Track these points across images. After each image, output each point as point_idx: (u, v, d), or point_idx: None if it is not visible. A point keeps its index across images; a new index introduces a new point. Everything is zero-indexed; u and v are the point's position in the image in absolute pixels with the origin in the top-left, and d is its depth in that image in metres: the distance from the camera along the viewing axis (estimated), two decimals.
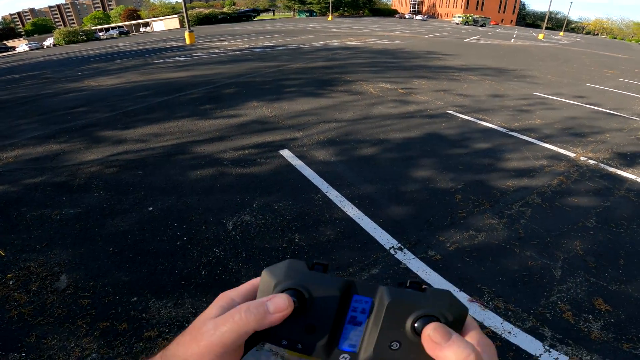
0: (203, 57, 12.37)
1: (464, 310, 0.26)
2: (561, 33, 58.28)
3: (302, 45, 15.33)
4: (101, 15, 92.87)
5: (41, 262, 2.44)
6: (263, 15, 74.14)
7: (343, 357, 0.26)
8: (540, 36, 34.34)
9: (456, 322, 0.25)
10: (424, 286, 0.27)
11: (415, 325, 0.25)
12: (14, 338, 1.89)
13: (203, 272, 2.35)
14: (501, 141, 4.59)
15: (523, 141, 4.61)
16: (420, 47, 15.87)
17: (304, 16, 67.19)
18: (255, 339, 0.26)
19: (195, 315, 2.01)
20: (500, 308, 2.09)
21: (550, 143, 4.58)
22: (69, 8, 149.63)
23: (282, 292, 0.25)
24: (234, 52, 13.30)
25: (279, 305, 0.24)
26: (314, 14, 69.54)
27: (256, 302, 0.25)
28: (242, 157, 4.02)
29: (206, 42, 18.16)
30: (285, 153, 4.11)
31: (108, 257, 2.49)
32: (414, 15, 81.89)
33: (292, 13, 75.23)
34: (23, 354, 1.79)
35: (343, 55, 12.23)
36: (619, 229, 2.87)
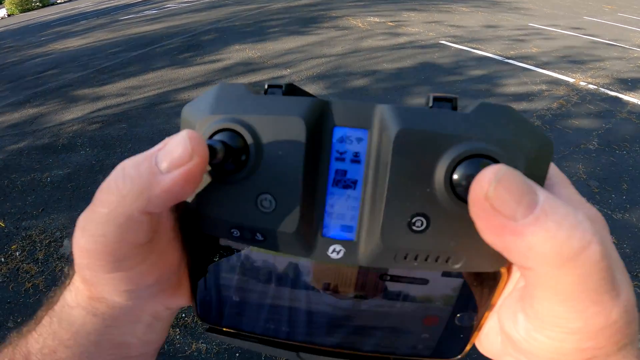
0: (176, 7, 11.66)
1: (545, 142, 0.14)
2: None
3: None
4: None
5: (41, 228, 2.38)
6: None
7: (334, 250, 0.16)
8: None
9: (534, 163, 0.14)
10: (460, 103, 0.15)
11: (455, 176, 0.14)
12: (35, 312, 1.89)
13: None
14: (497, 68, 4.47)
15: (520, 68, 4.49)
16: None
17: None
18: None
19: None
20: None
21: (548, 69, 4.46)
22: None
23: (210, 137, 0.15)
24: None
25: (175, 152, 0.14)
26: None
27: (137, 157, 0.15)
28: None
29: None
30: None
31: None
32: None
33: None
34: None
35: None
36: (622, 150, 2.86)
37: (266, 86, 0.17)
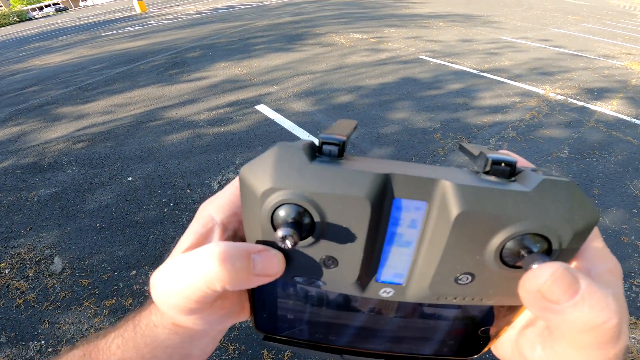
0: (159, 24, 11.54)
1: (595, 217, 0.16)
2: None
3: (265, 3, 14.60)
4: None
5: (30, 246, 2.36)
6: None
7: (385, 291, 0.18)
8: None
9: (578, 237, 0.16)
10: (520, 167, 0.16)
11: (505, 250, 0.15)
12: (28, 327, 1.87)
13: None
14: (473, 82, 4.67)
15: (494, 81, 4.71)
16: None
17: None
18: None
19: None
20: None
21: (520, 82, 4.70)
22: None
23: (274, 211, 0.16)
24: (193, 16, 12.47)
25: (269, 267, 0.17)
26: None
27: (238, 249, 0.17)
28: (217, 116, 3.88)
29: (160, 9, 16.95)
30: (262, 108, 4.02)
31: (97, 233, 2.42)
32: None
33: None
34: (42, 342, 1.78)
35: (310, 9, 11.79)
36: (591, 158, 3.02)
37: (320, 143, 0.17)
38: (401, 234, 0.17)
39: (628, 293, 1.91)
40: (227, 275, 0.16)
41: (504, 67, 5.31)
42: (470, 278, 0.17)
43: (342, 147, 0.17)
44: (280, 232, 0.15)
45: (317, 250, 0.17)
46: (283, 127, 3.55)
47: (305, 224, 0.16)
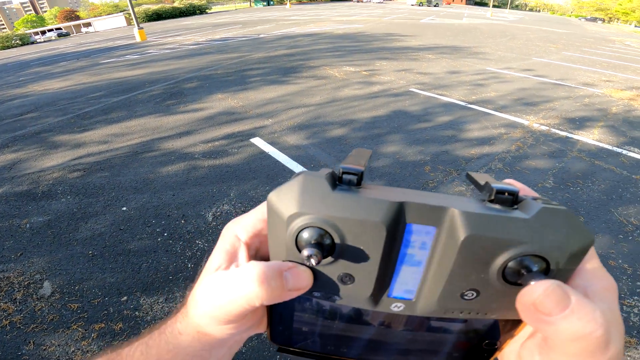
0: (157, 53, 11.81)
1: (589, 240, 0.17)
2: (507, 10, 61.81)
3: (262, 35, 15.02)
4: (34, 18, 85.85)
5: (20, 271, 2.36)
6: (219, 7, 71.59)
7: (396, 306, 0.20)
8: (490, 14, 36.40)
9: (573, 259, 0.17)
10: (522, 196, 0.18)
11: (507, 269, 0.17)
12: (12, 347, 1.85)
13: (189, 265, 2.34)
14: (461, 114, 4.85)
15: (481, 112, 4.90)
16: (379, 30, 16.06)
17: (262, 5, 65.65)
18: None
19: None
20: None
21: (506, 113, 4.90)
22: None
23: (299, 233, 0.18)
24: (191, 47, 12.79)
25: (300, 281, 0.19)
26: (271, 2, 68.19)
27: (273, 270, 0.19)
28: (213, 149, 3.96)
29: (159, 39, 17.28)
30: (257, 141, 4.10)
31: (89, 260, 2.42)
32: None
33: (248, 3, 73.27)
34: None
35: (305, 42, 12.17)
36: (575, 187, 3.12)
37: (341, 173, 0.19)
38: (412, 255, 0.19)
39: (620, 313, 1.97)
40: (265, 294, 0.19)
41: (490, 98, 5.54)
42: (475, 294, 0.19)
43: (360, 176, 0.19)
44: (305, 252, 0.17)
45: (336, 268, 0.19)
46: (277, 161, 3.63)
47: (326, 245, 0.18)
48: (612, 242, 2.48)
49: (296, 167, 3.48)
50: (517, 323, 0.21)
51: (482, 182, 0.19)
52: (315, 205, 0.18)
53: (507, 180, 0.20)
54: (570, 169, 3.43)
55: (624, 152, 3.83)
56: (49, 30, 47.16)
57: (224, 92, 6.21)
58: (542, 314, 0.16)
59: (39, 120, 5.37)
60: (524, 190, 0.20)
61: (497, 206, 0.18)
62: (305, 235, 0.18)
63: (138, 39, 16.81)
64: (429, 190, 3.05)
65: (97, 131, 4.66)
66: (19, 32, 39.02)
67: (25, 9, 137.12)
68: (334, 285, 0.20)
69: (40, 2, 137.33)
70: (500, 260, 0.17)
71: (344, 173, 0.19)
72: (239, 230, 0.23)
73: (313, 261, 0.17)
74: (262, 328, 0.25)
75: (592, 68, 8.74)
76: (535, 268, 0.17)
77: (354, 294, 0.20)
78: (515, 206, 0.18)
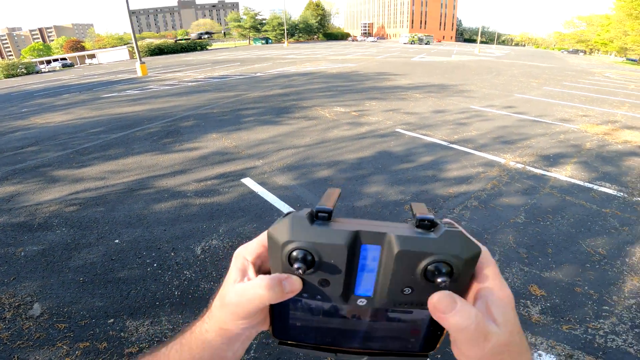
0: (158, 89, 12.18)
1: (477, 250, 0.25)
2: (494, 46, 64.58)
3: (259, 74, 15.49)
4: (41, 47, 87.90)
5: (11, 293, 2.48)
6: (219, 44, 74.28)
7: (360, 301, 0.27)
8: (478, 50, 38.06)
9: (468, 264, 0.25)
10: (435, 222, 0.26)
11: (427, 271, 0.25)
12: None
13: (176, 293, 2.47)
14: (443, 153, 5.07)
15: (461, 152, 5.13)
16: (372, 69, 16.77)
17: (260, 43, 67.78)
18: None
19: (172, 330, 2.14)
20: None
21: (485, 152, 5.13)
22: (5, 39, 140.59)
23: (290, 253, 0.26)
24: (190, 84, 13.18)
25: (293, 286, 0.27)
26: (270, 41, 70.51)
27: (275, 279, 0.26)
28: (205, 188, 4.13)
29: (160, 74, 17.83)
30: (247, 181, 4.27)
31: (79, 286, 2.55)
32: (365, 38, 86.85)
33: (247, 41, 76.09)
34: None
35: (299, 82, 12.59)
36: (545, 221, 3.27)
37: (315, 212, 0.26)
38: (367, 264, 0.26)
39: (584, 335, 2.09)
40: (271, 296, 0.26)
41: (471, 137, 5.80)
42: (410, 290, 0.26)
43: (330, 214, 0.26)
44: (295, 265, 0.25)
45: (317, 276, 0.26)
46: (266, 200, 3.79)
47: (309, 260, 0.25)
48: (579, 271, 2.62)
49: (283, 206, 3.65)
50: None
51: (415, 212, 0.27)
52: (300, 235, 0.25)
53: (426, 213, 0.27)
54: (542, 204, 3.59)
55: (595, 187, 4.01)
56: (54, 60, 47.89)
57: (218, 131, 6.41)
58: (440, 312, 0.24)
59: (39, 154, 5.53)
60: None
61: (420, 230, 0.25)
62: (295, 254, 0.26)
63: (140, 74, 17.25)
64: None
65: (95, 167, 4.81)
66: (25, 60, 39.64)
67: (34, 37, 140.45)
68: (316, 288, 0.27)
69: (48, 30, 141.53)
70: (422, 265, 0.25)
71: (318, 212, 0.26)
72: (246, 253, 0.30)
73: (301, 271, 0.25)
74: (266, 326, 0.31)
75: (571, 103, 9.14)
76: (443, 270, 0.24)
77: (330, 294, 0.27)
78: (432, 229, 0.25)
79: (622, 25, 26.05)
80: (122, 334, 2.13)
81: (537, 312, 2.26)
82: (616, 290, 2.45)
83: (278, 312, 0.29)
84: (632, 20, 23.89)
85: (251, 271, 0.29)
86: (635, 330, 2.13)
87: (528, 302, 2.34)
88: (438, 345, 0.29)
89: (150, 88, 12.59)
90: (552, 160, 4.85)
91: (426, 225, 0.25)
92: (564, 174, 4.37)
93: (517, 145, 5.44)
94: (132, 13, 16.79)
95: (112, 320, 2.23)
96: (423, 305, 0.26)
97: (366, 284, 0.26)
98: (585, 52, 64.00)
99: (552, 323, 2.16)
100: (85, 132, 6.71)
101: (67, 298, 2.43)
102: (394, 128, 6.44)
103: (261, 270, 0.30)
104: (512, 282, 2.52)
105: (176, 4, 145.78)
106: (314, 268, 0.26)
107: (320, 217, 0.26)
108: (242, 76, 14.92)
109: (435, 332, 0.29)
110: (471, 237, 0.25)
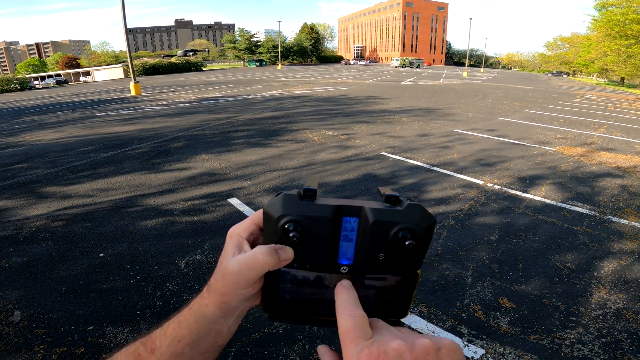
0: (150, 109, 12.23)
1: (433, 220, 0.29)
2: (481, 70, 66.25)
3: (251, 96, 15.69)
4: (36, 63, 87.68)
5: None
6: (213, 65, 75.42)
7: (343, 269, 0.30)
8: (465, 74, 39.23)
9: (427, 231, 0.29)
10: (399, 198, 0.30)
11: (397, 237, 0.28)
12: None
13: (158, 303, 2.52)
14: (425, 176, 5.24)
15: (442, 174, 5.31)
16: (362, 93, 17.19)
17: (254, 65, 69.00)
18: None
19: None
20: (424, 312, 2.47)
21: (464, 174, 5.31)
22: (1, 53, 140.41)
23: (284, 225, 0.28)
24: (183, 105, 13.28)
25: (287, 254, 0.29)
26: (264, 63, 71.80)
27: (272, 248, 0.29)
28: (191, 206, 4.20)
29: (153, 94, 17.94)
30: (234, 201, 4.35)
31: (61, 295, 2.59)
32: (358, 61, 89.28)
33: (242, 63, 77.47)
34: None
35: (290, 105, 12.78)
36: (518, 239, 3.42)
37: (303, 192, 0.29)
38: (347, 235, 0.29)
39: (551, 345, 2.18)
40: (270, 261, 0.29)
41: (453, 160, 6.00)
42: (384, 255, 0.29)
43: (314, 192, 0.29)
44: (290, 235, 0.28)
45: (306, 245, 0.29)
46: None
47: (299, 231, 0.28)
48: (547, 284, 2.74)
49: None
50: (416, 280, 0.32)
51: (382, 192, 0.31)
52: (292, 209, 0.28)
53: (391, 191, 0.31)
54: (515, 223, 3.74)
55: (568, 206, 4.19)
56: (49, 77, 47.46)
57: (208, 152, 6.48)
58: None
59: (28, 171, 5.54)
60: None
61: (388, 204, 0.29)
62: (288, 226, 0.28)
63: (133, 93, 17.26)
64: None
65: (84, 185, 4.84)
66: (20, 75, 39.30)
67: (30, 52, 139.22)
68: (306, 257, 0.30)
69: (45, 45, 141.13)
70: (392, 232, 0.28)
71: (305, 191, 0.29)
72: (240, 231, 0.33)
73: (295, 239, 0.28)
74: (258, 301, 0.33)
75: (550, 125, 9.50)
76: (408, 235, 0.28)
77: (317, 262, 0.30)
78: (398, 204, 0.29)
79: (601, 46, 26.77)
80: (100, 340, 2.17)
81: (506, 323, 2.35)
82: (583, 302, 2.56)
83: (268, 287, 0.32)
84: (610, 40, 24.05)
85: (247, 246, 0.32)
86: (602, 340, 2.22)
87: (498, 313, 2.43)
88: (408, 312, 0.33)
89: (143, 108, 12.65)
90: (529, 181, 5.03)
91: (393, 200, 0.30)
92: (539, 194, 4.55)
93: (496, 168, 5.64)
94: (129, 31, 17.07)
95: (91, 327, 2.27)
96: (393, 270, 0.30)
97: (347, 253, 0.30)
98: (568, 74, 65.45)
99: (520, 334, 2.24)
100: (75, 150, 6.74)
101: (48, 306, 2.47)
102: (379, 151, 6.60)
103: (253, 247, 0.32)
104: (484, 295, 2.62)
105: (173, 24, 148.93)
106: (304, 239, 0.29)
107: (308, 195, 0.29)
108: (235, 98, 15.07)
109: (405, 298, 0.33)
110: (428, 210, 0.30)
